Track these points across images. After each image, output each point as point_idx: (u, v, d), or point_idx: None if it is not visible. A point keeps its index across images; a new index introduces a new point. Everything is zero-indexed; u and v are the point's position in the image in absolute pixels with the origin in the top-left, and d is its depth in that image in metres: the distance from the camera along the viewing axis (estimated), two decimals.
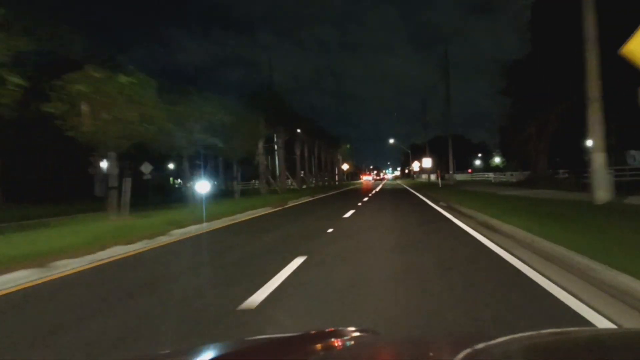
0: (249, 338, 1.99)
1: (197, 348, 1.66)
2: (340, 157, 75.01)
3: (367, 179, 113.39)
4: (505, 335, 1.19)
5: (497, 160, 74.98)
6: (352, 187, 46.99)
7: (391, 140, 78.78)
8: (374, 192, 28.99)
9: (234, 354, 1.28)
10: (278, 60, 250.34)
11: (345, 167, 79.10)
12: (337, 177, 71.81)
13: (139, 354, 2.78)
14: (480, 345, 1.11)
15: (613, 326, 2.76)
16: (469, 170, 70.24)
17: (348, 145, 77.48)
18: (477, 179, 49.42)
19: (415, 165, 62.70)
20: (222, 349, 1.41)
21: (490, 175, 46.37)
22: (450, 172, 35.92)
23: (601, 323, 2.84)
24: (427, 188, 28.03)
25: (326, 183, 56.97)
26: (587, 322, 2.86)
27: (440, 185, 30.22)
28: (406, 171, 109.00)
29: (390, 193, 26.76)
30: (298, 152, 42.57)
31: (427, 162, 45.44)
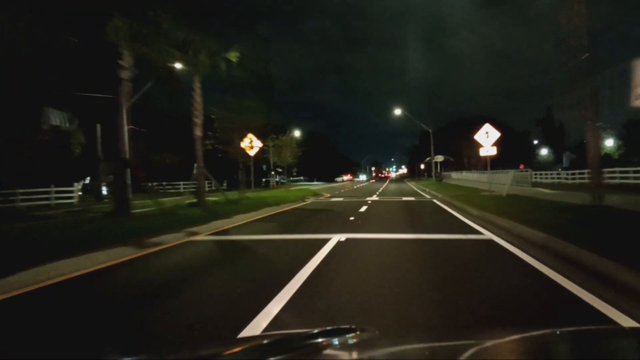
0: (248, 338, 1.94)
1: (197, 348, 1.65)
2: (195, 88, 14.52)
3: (342, 179, 74.94)
4: (508, 335, 1.16)
5: (608, 144, 44.37)
6: None
7: (397, 111, 44.25)
8: None
9: (232, 353, 1.26)
10: (279, 53, 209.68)
11: (253, 146, 20.92)
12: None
13: (140, 354, 2.92)
14: (482, 345, 1.08)
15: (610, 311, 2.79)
16: (521, 166, 45.24)
17: (234, 55, 14.88)
18: (628, 181, 20.86)
19: (489, 141, 16.69)
20: (220, 349, 1.38)
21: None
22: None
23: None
24: None
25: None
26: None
27: None
28: (422, 166, 75.62)
29: None
30: None
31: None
